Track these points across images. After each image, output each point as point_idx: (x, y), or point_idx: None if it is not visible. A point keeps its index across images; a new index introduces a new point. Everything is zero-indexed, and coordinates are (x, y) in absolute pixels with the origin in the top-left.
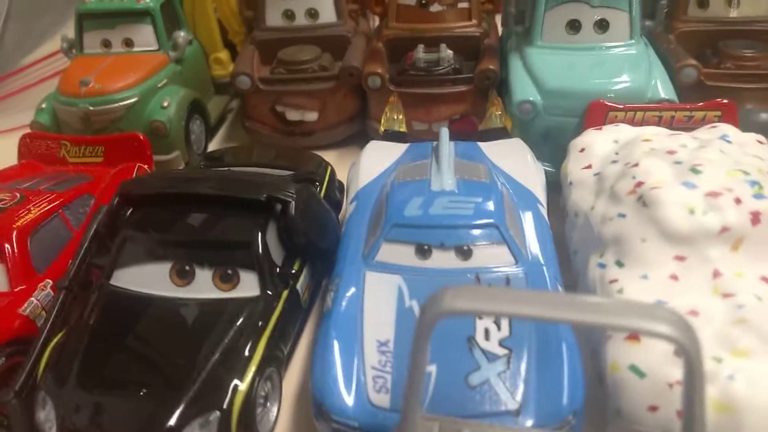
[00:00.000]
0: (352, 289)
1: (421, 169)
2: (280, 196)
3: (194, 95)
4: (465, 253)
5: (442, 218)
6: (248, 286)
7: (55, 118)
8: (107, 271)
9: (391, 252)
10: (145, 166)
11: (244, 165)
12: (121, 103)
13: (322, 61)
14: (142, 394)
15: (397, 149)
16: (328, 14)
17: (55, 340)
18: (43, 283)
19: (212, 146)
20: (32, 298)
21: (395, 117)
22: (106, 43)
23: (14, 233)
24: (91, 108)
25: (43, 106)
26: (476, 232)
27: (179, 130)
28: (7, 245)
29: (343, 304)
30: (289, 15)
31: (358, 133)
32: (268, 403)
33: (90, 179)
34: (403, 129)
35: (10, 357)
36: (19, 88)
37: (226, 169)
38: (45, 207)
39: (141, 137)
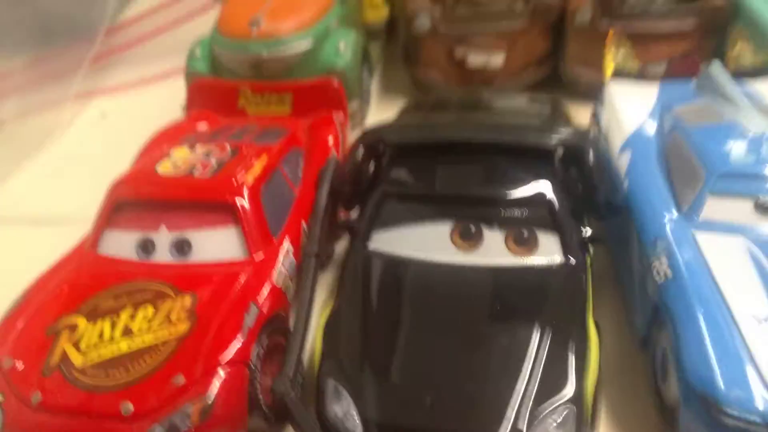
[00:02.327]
0: (688, 254)
1: (712, 111)
2: (576, 143)
3: (363, 39)
4: None
5: None
6: (549, 250)
7: (214, 66)
8: (363, 233)
9: (720, 208)
10: (341, 114)
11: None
12: (297, 48)
13: None
14: (471, 382)
15: (648, 89)
16: None
17: (324, 317)
18: (285, 249)
19: (374, 97)
20: (279, 267)
21: (623, 55)
22: None
23: (245, 190)
24: (264, 53)
25: (198, 52)
26: None
27: (357, 78)
28: (241, 204)
29: (687, 272)
30: None
31: (546, 78)
32: None
33: (286, 132)
34: (635, 68)
35: (270, 336)
36: (135, 39)
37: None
38: (266, 161)
39: (335, 83)
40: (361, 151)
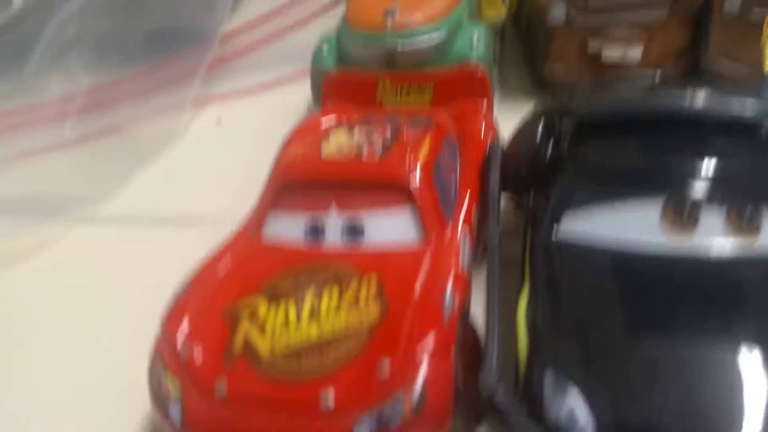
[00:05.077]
0: None
1: None
2: None
3: (492, 34)
4: None
5: None
6: None
7: (342, 61)
8: (551, 219)
9: None
10: (485, 103)
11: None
12: (432, 39)
13: None
14: (715, 391)
15: None
16: None
17: (521, 309)
18: (459, 233)
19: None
20: (460, 251)
21: None
22: None
23: (419, 170)
24: (399, 45)
25: (324, 49)
26: None
27: (489, 72)
28: (415, 183)
29: None
30: None
31: (684, 74)
32: None
33: (434, 120)
34: None
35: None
36: (245, 48)
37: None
38: (430, 143)
39: (480, 70)
40: (540, 128)
